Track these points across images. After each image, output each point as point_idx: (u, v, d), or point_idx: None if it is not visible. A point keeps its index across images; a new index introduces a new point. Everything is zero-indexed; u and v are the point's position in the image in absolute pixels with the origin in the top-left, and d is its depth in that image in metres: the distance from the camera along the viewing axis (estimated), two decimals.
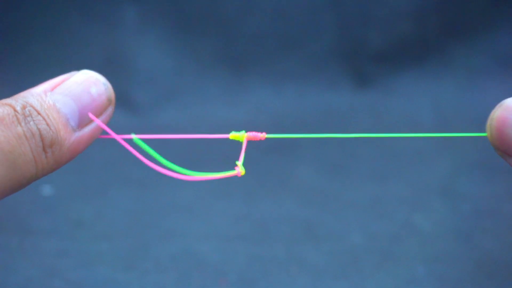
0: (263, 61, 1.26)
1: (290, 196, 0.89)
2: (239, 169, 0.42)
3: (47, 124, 0.36)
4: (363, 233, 0.77)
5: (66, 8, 1.23)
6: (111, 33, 1.24)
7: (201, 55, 1.26)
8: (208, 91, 1.23)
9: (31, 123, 0.35)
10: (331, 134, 0.43)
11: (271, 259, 0.71)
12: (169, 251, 0.72)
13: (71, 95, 0.37)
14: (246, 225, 0.79)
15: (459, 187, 0.91)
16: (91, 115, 0.38)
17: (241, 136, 0.42)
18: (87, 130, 0.38)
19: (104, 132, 0.40)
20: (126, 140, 0.41)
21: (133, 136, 0.41)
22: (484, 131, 0.44)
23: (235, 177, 1.01)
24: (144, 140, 0.39)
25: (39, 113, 0.36)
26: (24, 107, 0.35)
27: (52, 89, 0.37)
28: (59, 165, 0.37)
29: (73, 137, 0.37)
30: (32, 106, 0.36)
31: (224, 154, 1.06)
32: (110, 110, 0.41)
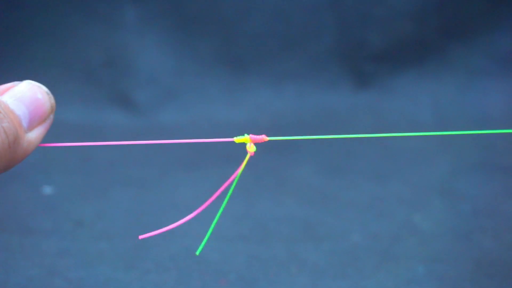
0: (263, 61, 1.26)
1: (290, 196, 0.89)
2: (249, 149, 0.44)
3: (9, 122, 0.38)
4: (363, 233, 0.77)
5: (67, 9, 1.23)
6: (111, 33, 1.25)
7: (202, 56, 1.26)
8: (208, 91, 1.23)
9: None
10: (331, 135, 0.43)
11: (271, 259, 0.71)
12: (169, 251, 0.72)
13: (21, 99, 0.40)
14: (246, 225, 0.80)
15: (458, 187, 0.91)
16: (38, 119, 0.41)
17: (246, 139, 0.43)
18: (36, 133, 0.41)
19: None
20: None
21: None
22: (483, 131, 0.44)
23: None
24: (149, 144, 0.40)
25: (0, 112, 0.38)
26: None
27: (1, 94, 0.40)
28: (13, 164, 0.39)
29: (26, 138, 0.40)
30: None
31: (225, 154, 1.06)
32: (51, 117, 0.42)
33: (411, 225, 0.79)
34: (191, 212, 0.72)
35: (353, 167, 1.00)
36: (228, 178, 1.01)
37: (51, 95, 0.42)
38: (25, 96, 0.40)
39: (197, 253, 0.44)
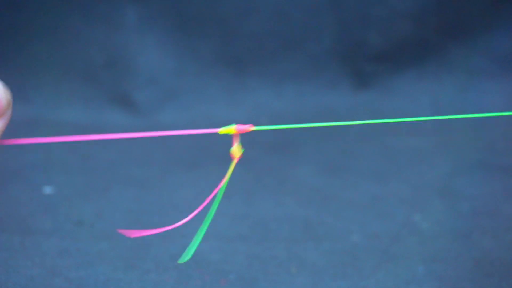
0: (263, 61, 1.26)
1: (290, 196, 0.89)
2: (234, 156, 0.42)
3: None
4: (363, 233, 0.77)
5: (67, 9, 1.24)
6: (112, 33, 1.25)
7: (201, 56, 1.26)
8: (208, 91, 1.23)
9: None
10: (320, 124, 0.43)
11: (271, 259, 0.71)
12: (169, 251, 0.72)
13: None
14: (246, 225, 0.80)
15: (458, 187, 0.91)
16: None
17: (231, 130, 0.42)
18: None
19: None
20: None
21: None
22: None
23: (234, 178, 1.01)
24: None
25: None
26: None
27: None
28: None
29: None
30: None
31: (225, 154, 1.06)
32: (9, 114, 0.42)
33: (411, 225, 0.79)
34: (191, 212, 0.73)
35: (353, 167, 1.00)
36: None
37: (7, 90, 0.41)
38: None
39: (180, 261, 0.43)
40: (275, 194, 0.90)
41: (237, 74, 1.25)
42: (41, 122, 1.17)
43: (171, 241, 0.74)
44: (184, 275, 0.67)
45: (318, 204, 0.86)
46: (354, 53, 1.27)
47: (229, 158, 1.14)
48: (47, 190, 0.88)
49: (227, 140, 1.17)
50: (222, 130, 0.42)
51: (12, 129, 1.23)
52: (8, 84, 0.40)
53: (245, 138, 1.21)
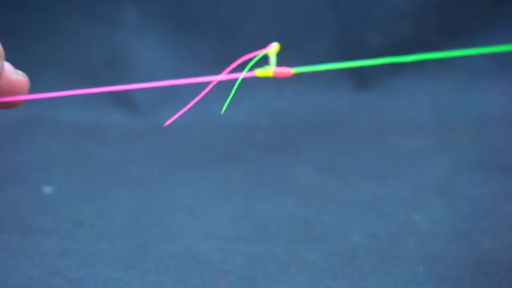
0: (263, 61, 1.26)
1: (290, 196, 0.89)
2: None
3: None
4: (363, 233, 0.77)
5: (67, 9, 1.23)
6: (111, 33, 1.25)
7: (201, 56, 1.26)
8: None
9: None
10: None
11: (271, 259, 0.71)
12: (169, 251, 0.72)
13: None
14: (246, 225, 0.80)
15: (458, 187, 0.91)
16: None
17: (268, 72, 0.40)
18: None
19: None
20: None
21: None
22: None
23: (234, 178, 1.02)
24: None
25: None
26: None
27: None
28: None
29: None
30: None
31: (225, 154, 1.06)
32: (1, 63, 0.42)
33: (410, 225, 0.79)
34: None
35: (353, 167, 1.00)
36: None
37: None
38: None
39: (222, 111, 0.40)
40: (275, 194, 0.90)
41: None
42: (41, 122, 1.17)
43: (171, 241, 0.75)
44: (184, 275, 0.67)
45: (318, 204, 0.86)
46: (354, 53, 1.27)
47: (229, 159, 1.15)
48: (47, 190, 0.88)
49: (227, 140, 1.18)
50: (260, 73, 0.40)
51: (12, 129, 1.24)
52: None
53: (245, 138, 1.22)
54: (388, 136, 1.13)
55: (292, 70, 0.39)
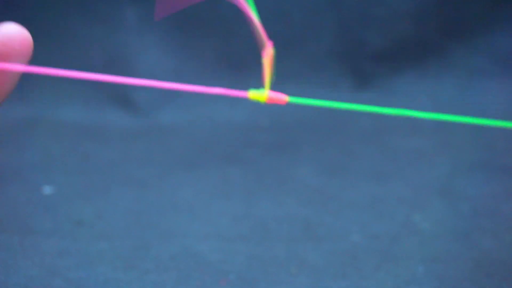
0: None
1: (290, 196, 0.89)
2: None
3: None
4: (363, 233, 0.77)
5: (66, 9, 1.23)
6: (111, 33, 1.25)
7: (201, 56, 1.26)
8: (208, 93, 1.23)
9: None
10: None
11: (271, 259, 0.71)
12: (169, 251, 0.72)
13: None
14: (246, 225, 0.80)
15: (458, 187, 0.91)
16: None
17: (262, 97, 0.39)
18: None
19: None
20: None
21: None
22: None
23: (234, 177, 1.02)
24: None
25: None
26: None
27: None
28: None
29: None
30: None
31: (225, 154, 1.06)
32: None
33: (411, 225, 0.79)
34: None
35: (353, 167, 1.00)
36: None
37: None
38: None
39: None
40: (275, 194, 0.90)
41: (237, 74, 1.25)
42: (41, 122, 1.17)
43: (171, 241, 0.75)
44: (184, 275, 0.67)
45: (318, 204, 0.86)
46: (354, 53, 1.27)
47: (229, 159, 1.15)
48: (47, 190, 0.88)
49: (227, 140, 1.18)
50: (253, 95, 0.38)
51: (12, 129, 1.24)
52: None
53: (245, 138, 1.22)
54: (388, 136, 1.13)
55: (287, 98, 0.38)
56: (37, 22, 1.24)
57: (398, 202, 0.86)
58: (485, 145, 1.06)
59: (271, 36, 1.43)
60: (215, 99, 1.23)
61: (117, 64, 1.24)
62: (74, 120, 1.18)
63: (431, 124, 1.18)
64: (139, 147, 1.08)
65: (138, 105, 1.21)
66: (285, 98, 0.40)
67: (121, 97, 1.21)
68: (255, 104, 1.40)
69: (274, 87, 1.39)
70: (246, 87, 1.38)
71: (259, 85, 1.41)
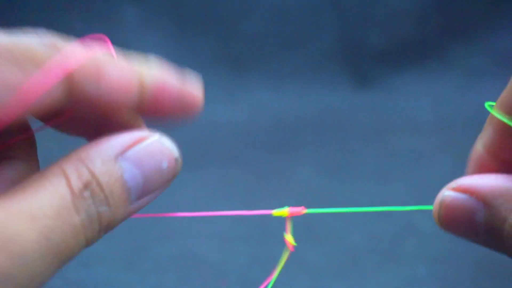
0: (263, 61, 1.26)
1: (290, 196, 0.89)
2: (290, 244, 0.41)
3: (108, 204, 0.31)
4: (364, 233, 0.77)
5: (66, 8, 1.23)
6: (111, 33, 1.24)
7: (201, 55, 1.26)
8: (208, 91, 1.23)
9: (91, 207, 0.30)
10: None
11: (271, 259, 0.71)
12: (169, 251, 0.72)
13: (141, 166, 0.32)
14: (246, 225, 0.80)
15: None
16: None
17: (284, 212, 0.41)
18: (142, 202, 0.33)
19: None
20: None
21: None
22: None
23: (234, 177, 1.01)
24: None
25: (102, 191, 0.30)
26: (87, 185, 0.30)
27: (123, 152, 0.31)
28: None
29: (129, 212, 0.32)
30: (97, 181, 0.30)
31: (225, 154, 1.06)
32: (167, 185, 0.35)
33: (411, 226, 0.79)
34: (191, 212, 0.72)
35: (353, 167, 1.00)
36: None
37: (179, 162, 0.35)
38: (147, 163, 0.32)
39: None
40: (275, 194, 0.89)
41: (237, 74, 1.25)
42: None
43: (171, 242, 0.74)
44: (184, 275, 0.67)
45: (318, 205, 0.86)
46: (354, 53, 1.27)
47: (229, 159, 1.14)
48: None
49: (227, 140, 1.17)
50: (276, 212, 0.40)
51: None
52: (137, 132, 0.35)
53: (245, 138, 1.22)
54: (388, 136, 1.13)
55: (305, 211, 0.40)
56: (36, 21, 1.24)
57: (398, 202, 0.86)
58: None
59: (271, 36, 1.43)
60: (215, 99, 1.23)
61: None
62: None
63: (431, 124, 1.18)
64: None
65: None
66: (303, 210, 0.43)
67: None
68: (255, 104, 1.40)
69: (274, 86, 1.38)
70: (245, 87, 1.37)
71: (258, 84, 1.41)
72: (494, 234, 0.35)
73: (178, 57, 1.26)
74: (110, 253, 0.71)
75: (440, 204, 0.39)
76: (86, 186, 0.30)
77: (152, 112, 0.35)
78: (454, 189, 0.39)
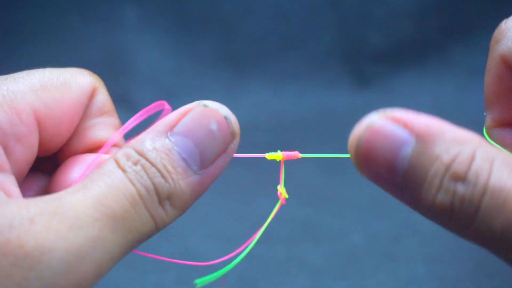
0: (263, 61, 1.26)
1: (290, 196, 0.89)
2: (281, 194, 0.41)
3: (163, 176, 0.32)
4: (363, 233, 0.77)
5: (67, 8, 1.23)
6: (111, 33, 1.25)
7: (201, 55, 1.26)
8: (208, 91, 1.23)
9: (145, 178, 0.32)
10: None
11: (271, 259, 0.71)
12: (169, 251, 0.72)
13: (191, 135, 0.33)
14: (246, 225, 0.80)
15: None
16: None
17: (278, 156, 0.40)
18: (210, 170, 0.34)
19: None
20: None
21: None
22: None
23: (234, 177, 1.01)
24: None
25: (153, 165, 0.32)
26: (135, 163, 0.32)
27: (171, 128, 0.33)
28: (183, 211, 0.34)
29: (195, 182, 0.33)
30: (146, 158, 0.32)
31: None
32: (234, 144, 0.36)
33: (411, 225, 0.79)
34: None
35: (353, 167, 1.00)
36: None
37: (231, 119, 0.36)
38: (195, 130, 0.33)
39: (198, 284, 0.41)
40: (275, 194, 0.89)
41: (237, 74, 1.25)
42: None
43: (171, 241, 0.74)
44: (184, 275, 0.67)
45: (318, 204, 0.86)
46: (354, 53, 1.27)
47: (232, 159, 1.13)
48: None
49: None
50: (270, 156, 0.40)
51: None
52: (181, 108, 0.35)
53: (245, 138, 1.21)
54: None
55: (300, 155, 0.40)
56: (36, 21, 1.24)
57: (398, 202, 0.86)
58: None
59: (271, 36, 1.43)
60: (215, 99, 1.22)
61: (117, 63, 1.24)
62: None
63: None
64: None
65: (139, 105, 1.21)
66: (298, 154, 0.42)
67: (121, 97, 1.21)
68: (255, 104, 1.41)
69: (274, 86, 1.38)
70: (245, 87, 1.38)
71: (258, 84, 1.41)
72: (415, 173, 0.32)
73: (178, 57, 1.26)
74: None
75: (365, 128, 0.35)
76: (135, 163, 0.32)
77: None
78: (386, 117, 0.36)
